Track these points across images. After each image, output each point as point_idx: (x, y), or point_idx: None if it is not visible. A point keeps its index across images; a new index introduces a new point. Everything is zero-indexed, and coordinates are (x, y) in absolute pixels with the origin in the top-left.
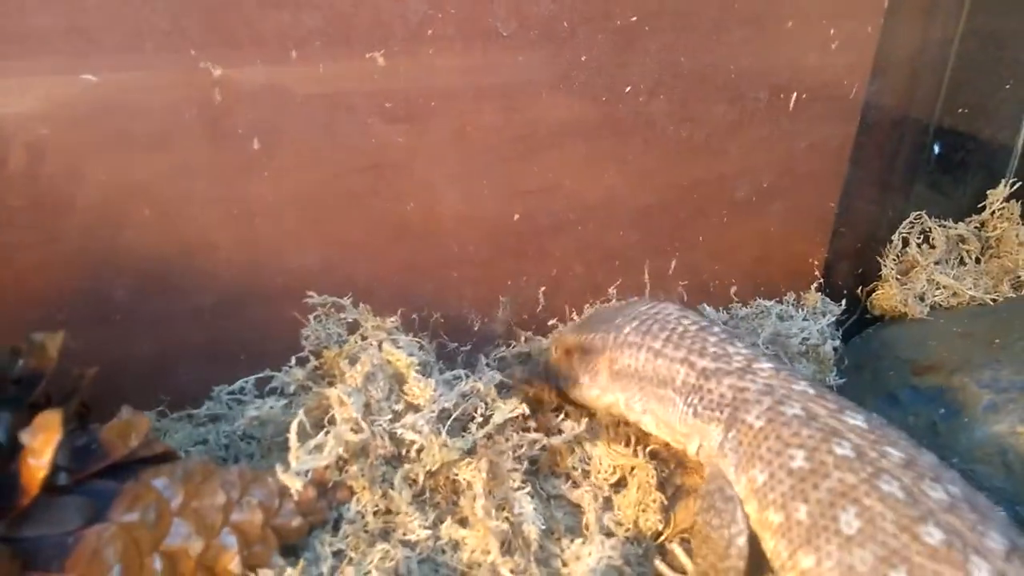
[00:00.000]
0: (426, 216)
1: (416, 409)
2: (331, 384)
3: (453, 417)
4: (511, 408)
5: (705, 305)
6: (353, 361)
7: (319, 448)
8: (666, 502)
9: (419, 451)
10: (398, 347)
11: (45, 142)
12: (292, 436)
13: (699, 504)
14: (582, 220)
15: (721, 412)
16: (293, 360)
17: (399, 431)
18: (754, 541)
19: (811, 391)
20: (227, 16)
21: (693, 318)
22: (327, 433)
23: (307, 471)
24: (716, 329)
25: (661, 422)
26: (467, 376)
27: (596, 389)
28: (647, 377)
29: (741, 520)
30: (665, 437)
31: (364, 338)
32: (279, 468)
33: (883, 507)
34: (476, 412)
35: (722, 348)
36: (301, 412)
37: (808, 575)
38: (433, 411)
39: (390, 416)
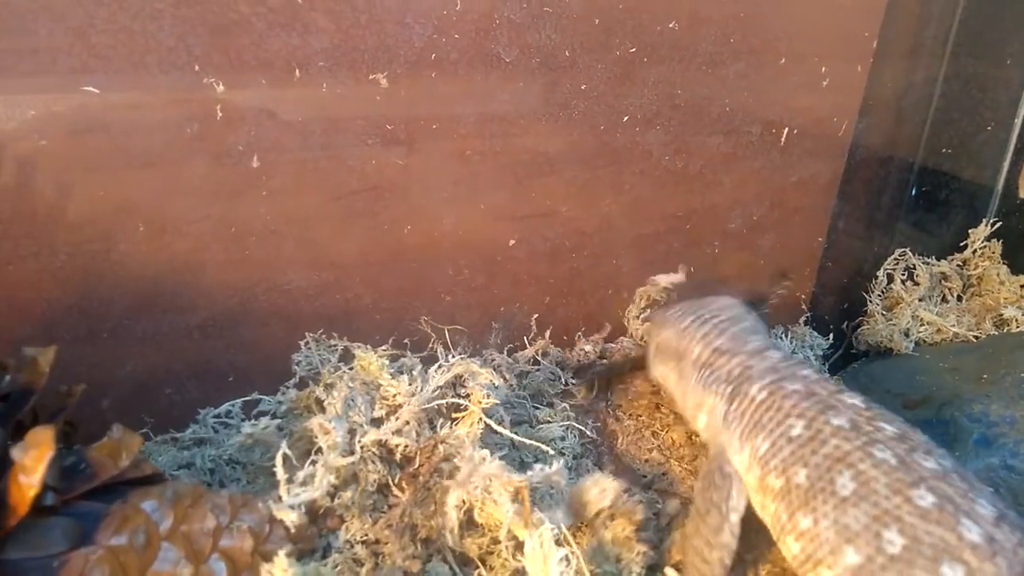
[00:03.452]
0: (423, 239)
1: (396, 410)
2: (316, 411)
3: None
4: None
5: None
6: (330, 389)
7: (309, 480)
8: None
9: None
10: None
11: (42, 154)
12: (279, 469)
13: (698, 484)
14: (577, 247)
15: (727, 386)
16: (290, 384)
17: (384, 438)
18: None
19: (813, 376)
20: (235, 35)
21: (730, 313)
22: (315, 463)
23: (300, 504)
24: (745, 324)
25: (681, 396)
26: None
27: (650, 361)
28: (671, 351)
29: (736, 497)
30: (686, 416)
31: (339, 368)
32: (272, 504)
33: (876, 471)
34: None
35: (741, 335)
36: (284, 444)
37: (806, 535)
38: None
39: (375, 437)
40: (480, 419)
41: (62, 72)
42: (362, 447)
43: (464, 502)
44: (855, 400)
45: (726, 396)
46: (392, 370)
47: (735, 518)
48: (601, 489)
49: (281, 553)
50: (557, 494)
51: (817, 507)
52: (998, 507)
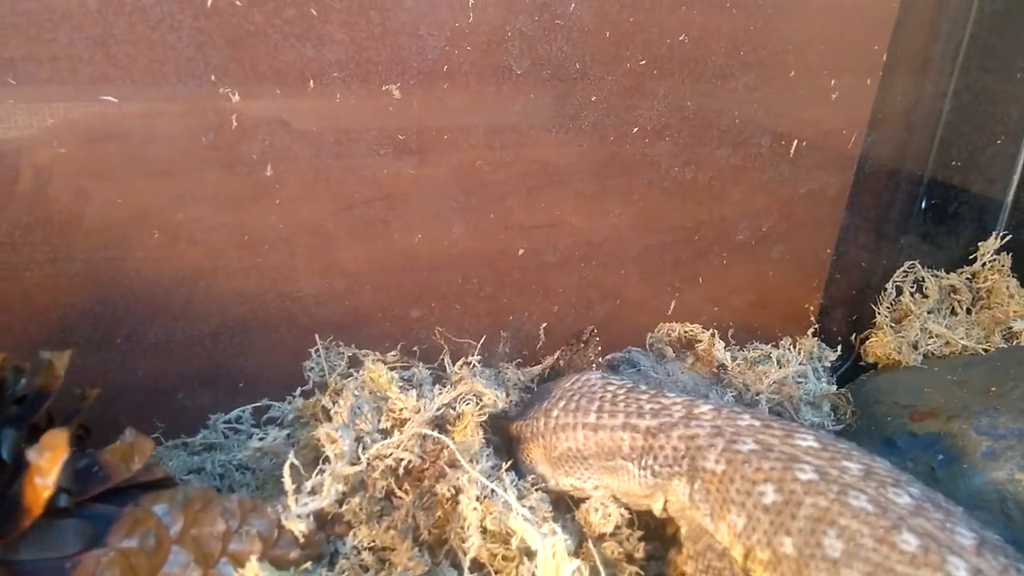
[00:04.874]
0: (433, 248)
1: (402, 424)
2: (322, 419)
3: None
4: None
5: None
6: (336, 397)
7: (318, 488)
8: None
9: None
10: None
11: (60, 161)
12: (286, 480)
13: (692, 567)
14: (585, 257)
15: (680, 466)
16: (298, 391)
17: (388, 452)
18: None
19: (757, 423)
20: (251, 46)
21: (618, 382)
22: (322, 472)
23: (309, 513)
24: (643, 387)
25: (618, 494)
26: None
27: (541, 472)
28: (592, 454)
29: (738, 570)
30: (627, 500)
31: (348, 375)
32: (282, 513)
33: (858, 523)
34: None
35: (657, 403)
36: (292, 454)
37: None
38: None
39: (381, 444)
40: (477, 427)
41: (81, 81)
42: (368, 458)
43: (478, 504)
44: (809, 441)
45: (684, 476)
46: (401, 383)
47: None
48: (605, 514)
49: (253, 558)
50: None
51: (812, 575)
52: (975, 529)
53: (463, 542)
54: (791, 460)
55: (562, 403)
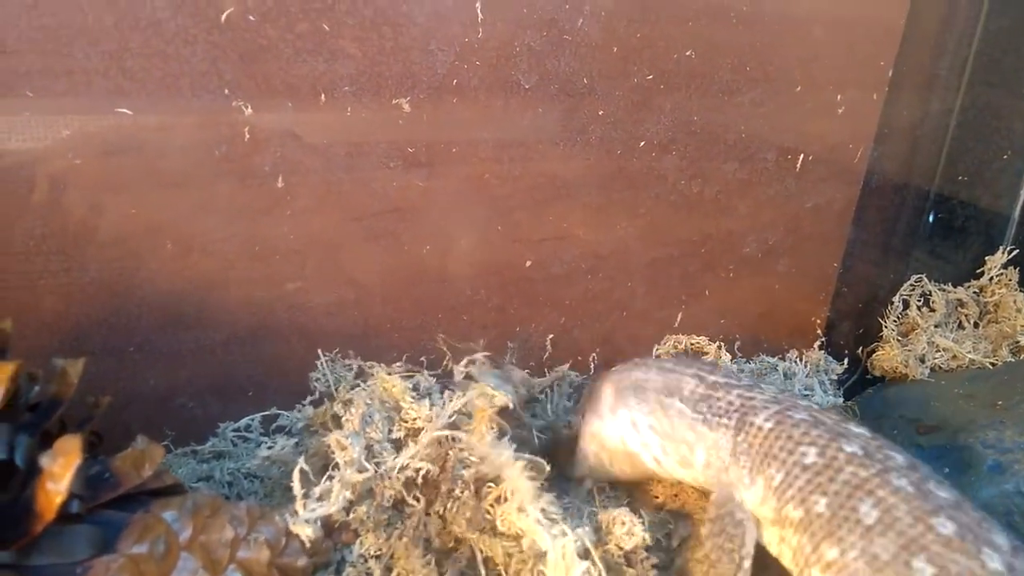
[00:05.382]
0: (441, 260)
1: (415, 433)
2: (332, 427)
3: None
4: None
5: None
6: (347, 405)
7: (326, 495)
8: None
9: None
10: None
11: (75, 173)
12: (295, 484)
13: (707, 528)
14: (592, 270)
15: (729, 418)
16: (307, 400)
17: (404, 462)
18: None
19: (815, 407)
20: (264, 60)
21: (702, 361)
22: (331, 478)
23: (317, 519)
24: (723, 368)
25: (666, 440)
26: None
27: (598, 422)
28: (655, 388)
29: (749, 544)
30: (668, 465)
31: (356, 386)
32: (289, 518)
33: (896, 499)
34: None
35: (729, 373)
36: (302, 460)
37: (834, 566)
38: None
39: (393, 455)
40: (489, 426)
41: (97, 94)
42: (385, 470)
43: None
44: (862, 429)
45: (731, 428)
46: (414, 394)
47: (747, 565)
48: (628, 530)
49: None
50: (580, 514)
51: (843, 537)
52: (1010, 538)
53: (480, 532)
54: (839, 435)
55: (645, 358)
